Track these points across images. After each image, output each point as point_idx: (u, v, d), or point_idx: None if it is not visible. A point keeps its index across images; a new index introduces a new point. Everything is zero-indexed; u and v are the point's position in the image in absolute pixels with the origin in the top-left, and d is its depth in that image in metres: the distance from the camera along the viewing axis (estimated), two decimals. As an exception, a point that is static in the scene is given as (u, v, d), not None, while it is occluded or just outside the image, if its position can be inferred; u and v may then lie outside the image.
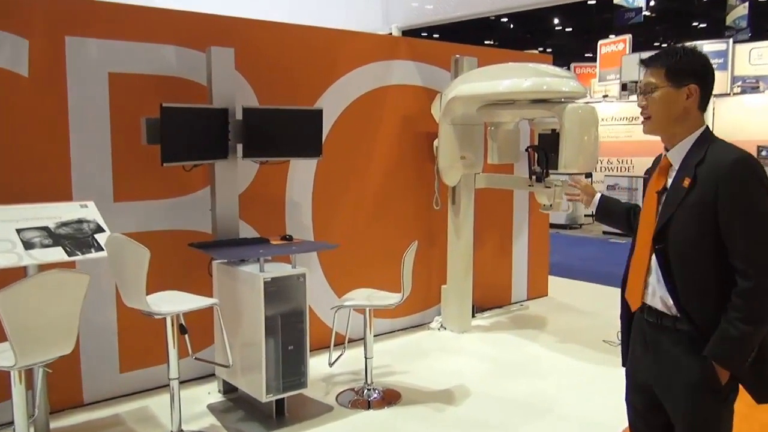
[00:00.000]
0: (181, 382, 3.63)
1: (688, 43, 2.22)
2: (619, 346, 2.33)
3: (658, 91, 2.08)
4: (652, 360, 2.10)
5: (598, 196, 2.53)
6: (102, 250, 3.31)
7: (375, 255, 5.30)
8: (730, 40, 14.53)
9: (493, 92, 4.69)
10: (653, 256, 2.06)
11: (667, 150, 2.14)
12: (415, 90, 5.54)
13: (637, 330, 2.18)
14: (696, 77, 2.06)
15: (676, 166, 2.09)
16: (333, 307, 4.10)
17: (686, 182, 2.00)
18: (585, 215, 12.61)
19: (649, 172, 2.28)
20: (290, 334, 3.69)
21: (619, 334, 2.30)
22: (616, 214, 2.48)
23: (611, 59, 17.43)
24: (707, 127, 2.10)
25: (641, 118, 2.15)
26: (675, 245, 2.00)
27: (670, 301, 2.02)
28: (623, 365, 2.28)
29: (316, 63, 4.90)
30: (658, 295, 2.06)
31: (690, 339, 1.98)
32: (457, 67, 5.35)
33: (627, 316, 2.24)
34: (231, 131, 4.10)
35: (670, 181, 2.09)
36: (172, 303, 3.52)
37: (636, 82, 16.84)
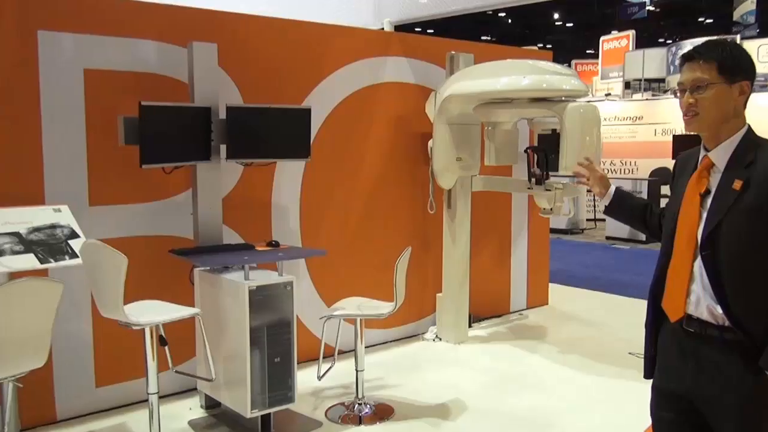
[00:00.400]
0: (160, 397, 3.61)
1: (710, 38, 2.20)
2: (634, 358, 2.30)
3: (711, 88, 2.01)
4: (694, 371, 2.06)
5: (613, 188, 2.48)
6: (77, 257, 3.29)
7: (366, 262, 5.30)
8: (738, 36, 14.65)
9: (491, 90, 4.70)
10: (696, 263, 2.02)
11: (707, 149, 2.09)
12: (409, 88, 5.55)
13: (673, 340, 2.13)
14: (746, 73, 2.03)
15: (720, 167, 2.04)
16: (322, 317, 4.09)
17: (737, 185, 1.96)
18: (587, 219, 12.65)
19: (675, 174, 2.24)
20: (277, 345, 3.68)
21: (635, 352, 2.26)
22: (633, 208, 2.45)
23: (614, 56, 17.53)
24: (750, 126, 2.06)
25: (687, 115, 2.07)
26: (726, 252, 1.95)
27: (719, 310, 1.97)
28: (646, 377, 2.25)
29: (303, 59, 4.90)
30: (704, 304, 2.02)
31: (741, 349, 1.95)
32: (452, 64, 5.37)
33: (654, 325, 2.21)
34: (214, 131, 4.10)
35: (713, 182, 2.04)
36: (151, 313, 3.50)
37: (640, 80, 16.94)
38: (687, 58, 2.09)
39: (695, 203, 2.05)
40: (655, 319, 2.20)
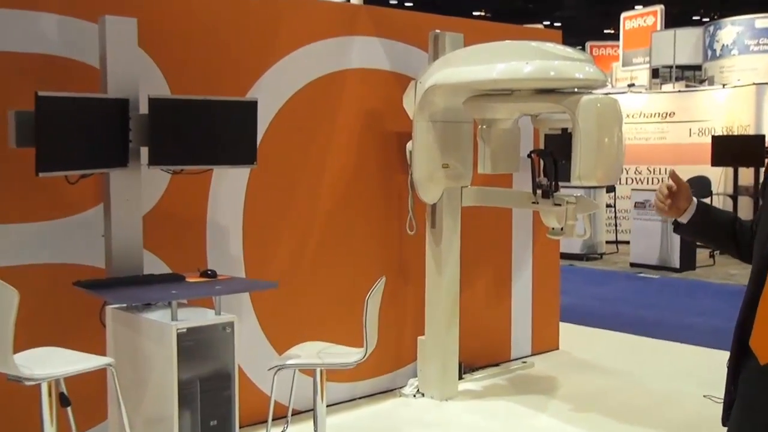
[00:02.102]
0: (61, 474, 3.54)
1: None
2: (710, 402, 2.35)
3: None
4: None
5: (694, 202, 2.51)
6: (-48, 291, 3.23)
7: (328, 296, 5.28)
8: (789, 14, 14.99)
9: (485, 80, 4.73)
10: None
11: None
12: (382, 76, 5.56)
13: (762, 385, 2.20)
14: None
15: None
16: (271, 367, 4.05)
17: None
18: (607, 242, 12.77)
19: (764, 186, 2.29)
20: (213, 404, 3.65)
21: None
22: (720, 224, 2.49)
23: (638, 37, 17.83)
24: None
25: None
26: None
27: None
28: (724, 424, 2.33)
29: (248, 40, 4.90)
30: None
31: None
32: (437, 47, 5.40)
33: (738, 365, 2.27)
34: (132, 129, 4.07)
35: None
36: (49, 364, 3.45)
37: (670, 67, 17.23)
38: None
39: None
40: (739, 359, 2.26)
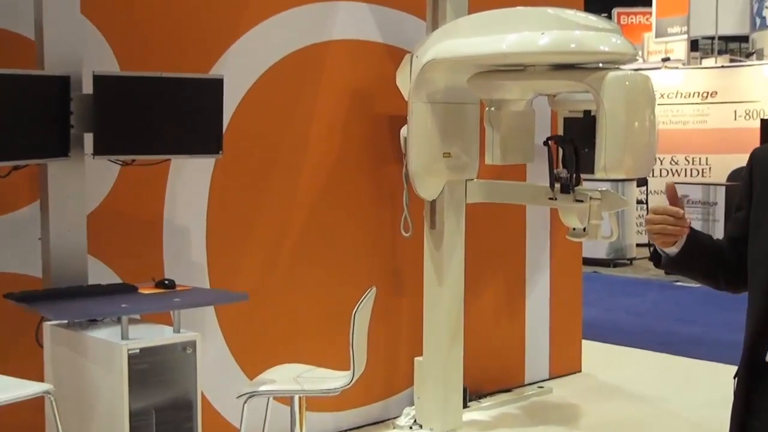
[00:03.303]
0: None
1: None
2: None
3: None
4: None
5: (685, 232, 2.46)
6: None
7: (308, 310, 5.28)
8: None
9: (493, 53, 4.73)
10: None
11: None
12: (371, 49, 5.56)
13: None
14: None
15: None
16: (241, 394, 4.05)
17: None
18: (638, 245, 12.80)
19: (753, 180, 2.31)
20: (171, 439, 3.64)
21: None
22: (708, 246, 2.50)
23: (674, 3, 17.88)
24: None
25: None
26: None
27: None
28: None
29: (212, 6, 4.89)
30: None
31: None
32: (436, 14, 5.39)
33: (749, 383, 2.32)
34: (75, 113, 4.05)
35: None
36: (-25, 392, 3.43)
37: (712, 38, 17.28)
38: None
39: None
40: (752, 377, 2.31)
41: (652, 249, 2.55)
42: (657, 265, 2.57)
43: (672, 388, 6.46)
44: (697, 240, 2.48)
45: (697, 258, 2.50)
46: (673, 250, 2.46)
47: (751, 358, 2.32)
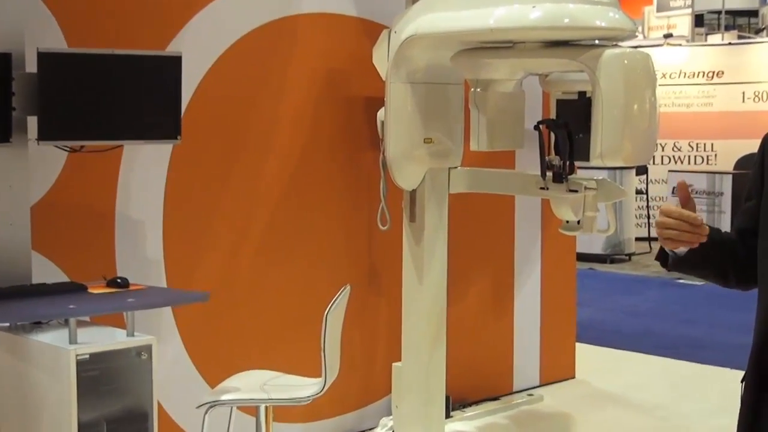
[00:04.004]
0: None
1: None
2: None
3: None
4: None
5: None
6: None
7: (275, 311, 5.29)
8: None
9: (480, 28, 4.73)
10: None
11: None
12: (345, 24, 5.57)
13: None
14: None
15: None
16: (202, 404, 4.05)
17: None
18: (637, 239, 12.87)
19: (763, 163, 2.34)
20: (125, 454, 3.64)
21: None
22: (721, 242, 2.51)
23: (677, -26, 17.97)
24: None
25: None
26: None
27: None
28: None
29: (169, -25, 4.88)
30: None
31: None
32: (416, -15, 5.40)
33: (758, 392, 2.36)
34: (17, 94, 4.03)
35: None
36: None
37: (718, 12, 17.37)
38: None
39: None
40: (761, 382, 2.34)
41: (659, 247, 2.55)
42: (664, 265, 2.58)
43: (674, 395, 6.51)
44: (709, 237, 2.45)
45: (710, 257, 2.50)
46: (682, 250, 2.47)
47: (759, 360, 2.36)
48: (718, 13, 17.61)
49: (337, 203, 5.59)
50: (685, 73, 14.41)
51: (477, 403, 6.19)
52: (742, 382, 2.41)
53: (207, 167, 5.05)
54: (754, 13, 17.98)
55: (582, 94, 5.05)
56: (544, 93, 6.15)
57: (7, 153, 4.06)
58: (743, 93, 13.87)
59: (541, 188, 5.13)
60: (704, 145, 14.05)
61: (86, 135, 4.18)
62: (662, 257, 2.56)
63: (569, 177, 5.01)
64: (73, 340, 3.59)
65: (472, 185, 5.60)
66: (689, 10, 17.48)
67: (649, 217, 13.14)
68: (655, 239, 11.70)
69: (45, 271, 4.38)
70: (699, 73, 14.35)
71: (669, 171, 12.40)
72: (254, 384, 4.10)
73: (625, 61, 4.46)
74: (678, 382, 6.90)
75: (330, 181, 5.55)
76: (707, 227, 2.38)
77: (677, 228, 2.36)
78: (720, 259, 2.52)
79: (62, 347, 3.56)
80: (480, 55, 5.01)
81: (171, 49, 4.80)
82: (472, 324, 6.21)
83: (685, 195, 2.40)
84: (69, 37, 4.49)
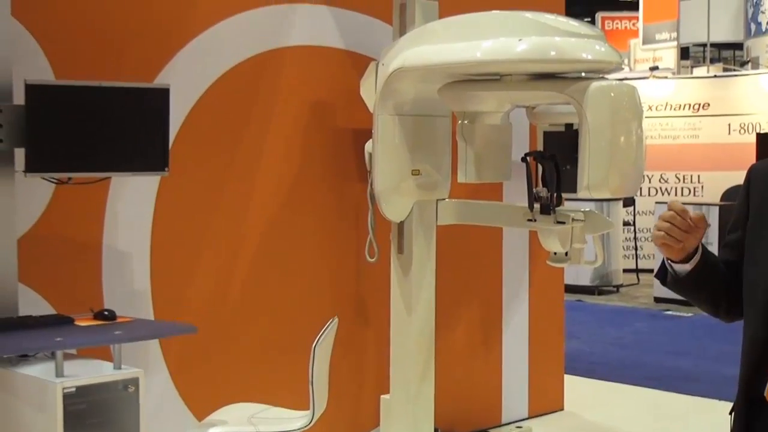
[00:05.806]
0: None
1: None
2: None
3: None
4: None
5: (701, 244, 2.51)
6: None
7: (263, 344, 5.28)
8: None
9: (467, 61, 4.75)
10: None
11: None
12: (333, 56, 5.58)
13: None
14: None
15: None
16: (188, 438, 4.04)
17: None
18: (625, 270, 12.88)
19: (750, 196, 2.37)
20: (111, 488, 3.62)
21: None
22: (718, 266, 2.53)
23: (663, 6, 18.11)
24: None
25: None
26: None
27: None
28: None
29: (157, 9, 4.89)
30: None
31: None
32: (404, 18, 5.42)
33: (746, 419, 2.36)
34: (4, 126, 4.02)
35: None
36: None
37: (704, 45, 17.48)
38: None
39: None
40: (749, 414, 2.35)
41: (661, 261, 2.57)
42: (663, 282, 2.60)
43: (662, 426, 6.50)
44: (709, 260, 2.51)
45: (709, 278, 2.53)
46: (685, 268, 2.50)
47: (748, 392, 2.36)
48: (704, 45, 17.73)
49: (325, 235, 5.59)
50: (671, 105, 14.48)
51: (465, 435, 6.17)
52: (730, 413, 2.41)
53: (195, 199, 5.05)
54: (739, 46, 18.09)
55: (569, 126, 5.07)
56: (531, 125, 6.18)
57: (-6, 185, 4.07)
58: (729, 125, 13.94)
59: (529, 220, 5.14)
60: (691, 176, 14.10)
61: (74, 167, 4.18)
62: (662, 273, 2.58)
63: (557, 209, 5.02)
64: (59, 373, 3.58)
65: (460, 217, 5.60)
66: (675, 43, 17.61)
67: (636, 249, 13.17)
68: (643, 271, 11.72)
69: (31, 304, 4.36)
70: (685, 105, 14.42)
71: (656, 202, 12.42)
72: (242, 417, 4.09)
73: (612, 94, 4.47)
74: (666, 413, 6.89)
75: (318, 213, 5.55)
76: (707, 222, 2.45)
77: (670, 220, 2.42)
78: (718, 283, 2.53)
79: (49, 380, 3.54)
80: (467, 87, 5.02)
81: (159, 81, 4.81)
82: (461, 356, 6.20)
83: (679, 210, 2.45)
84: (56, 68, 4.51)
